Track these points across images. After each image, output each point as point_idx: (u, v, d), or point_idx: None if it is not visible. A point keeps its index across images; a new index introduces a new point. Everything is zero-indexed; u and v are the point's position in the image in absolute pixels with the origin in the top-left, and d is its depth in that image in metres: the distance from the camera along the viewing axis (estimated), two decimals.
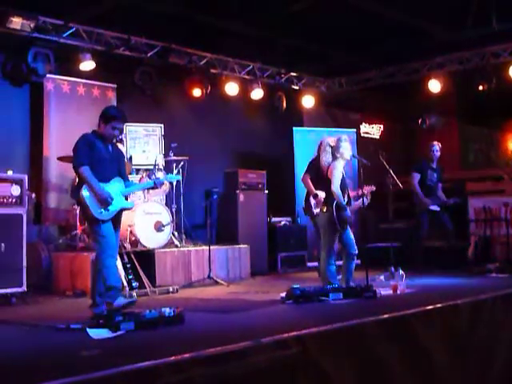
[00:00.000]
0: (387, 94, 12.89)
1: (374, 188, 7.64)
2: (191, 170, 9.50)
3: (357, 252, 7.22)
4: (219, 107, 11.27)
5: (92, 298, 5.97)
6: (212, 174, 10.79)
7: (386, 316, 5.17)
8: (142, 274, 7.75)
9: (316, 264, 9.49)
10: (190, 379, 3.67)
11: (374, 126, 13.94)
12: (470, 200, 10.45)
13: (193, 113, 11.03)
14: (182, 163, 9.39)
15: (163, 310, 5.23)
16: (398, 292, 6.91)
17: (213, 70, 10.80)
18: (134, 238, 8.24)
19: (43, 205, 9.01)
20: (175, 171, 9.31)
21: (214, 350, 3.92)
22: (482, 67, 10.96)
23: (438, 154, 9.63)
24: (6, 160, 8.30)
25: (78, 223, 8.30)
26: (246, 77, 11.29)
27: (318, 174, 8.69)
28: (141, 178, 8.71)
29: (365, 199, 7.33)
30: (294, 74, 12.05)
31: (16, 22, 8.25)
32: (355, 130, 12.47)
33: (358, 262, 7.31)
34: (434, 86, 11.38)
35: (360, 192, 7.48)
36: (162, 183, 6.78)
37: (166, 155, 9.47)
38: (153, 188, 6.73)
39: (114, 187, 6.03)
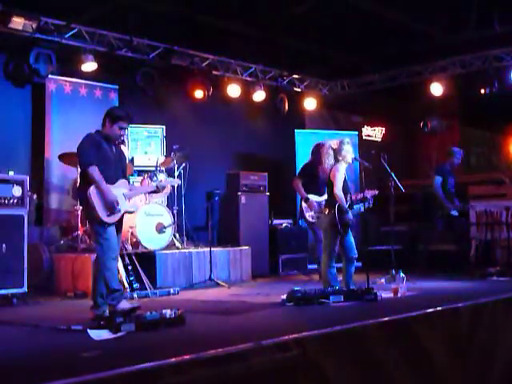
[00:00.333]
0: (389, 97, 12.91)
1: (376, 192, 7.64)
2: (193, 172, 9.50)
3: (356, 255, 7.22)
4: (221, 109, 11.28)
5: (93, 300, 5.94)
6: (214, 176, 10.80)
7: (386, 319, 5.16)
8: (143, 275, 7.75)
9: (315, 266, 9.51)
10: (191, 381, 3.67)
11: (375, 128, 13.94)
12: (471, 203, 10.43)
13: (195, 114, 11.02)
14: (183, 165, 9.39)
15: (164, 311, 5.23)
16: (399, 295, 6.89)
17: (215, 72, 10.81)
18: (135, 240, 8.24)
19: (44, 206, 9.01)
20: (176, 173, 9.31)
21: (214, 351, 3.92)
22: (484, 70, 10.96)
23: (460, 161, 9.68)
24: (7, 161, 8.28)
25: (80, 224, 8.30)
26: (249, 79, 11.30)
27: (314, 177, 8.77)
28: (142, 180, 8.71)
29: (366, 203, 7.32)
30: (296, 76, 12.05)
31: (18, 23, 8.25)
32: (357, 132, 12.48)
33: (359, 264, 7.29)
34: (436, 89, 11.39)
35: (361, 195, 7.49)
36: (164, 187, 6.76)
37: (167, 157, 9.47)
38: (155, 192, 6.70)
39: (119, 190, 5.97)
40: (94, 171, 5.75)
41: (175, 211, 9.21)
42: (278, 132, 12.26)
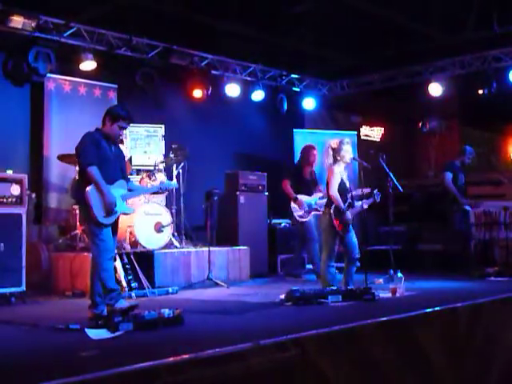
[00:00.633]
0: (388, 97, 12.92)
1: (371, 201, 7.42)
2: (191, 171, 9.49)
3: (358, 256, 7.20)
4: (220, 108, 11.28)
5: (91, 299, 5.93)
6: (212, 175, 10.78)
7: (384, 319, 5.17)
8: (141, 274, 7.75)
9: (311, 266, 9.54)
10: (189, 380, 3.67)
11: (374, 128, 13.95)
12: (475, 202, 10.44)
13: (194, 114, 11.03)
14: (182, 164, 9.38)
15: (162, 310, 5.22)
16: (397, 295, 6.90)
17: (214, 71, 10.81)
18: (133, 239, 8.22)
19: (43, 205, 9.00)
20: (175, 172, 9.30)
21: (212, 351, 3.92)
22: (483, 71, 10.97)
23: (470, 161, 9.67)
24: (6, 159, 8.29)
25: (78, 223, 8.28)
26: (248, 78, 11.30)
27: (302, 178, 8.92)
28: (141, 179, 8.70)
29: (365, 204, 7.30)
30: (295, 75, 12.06)
31: (17, 21, 8.26)
32: (356, 132, 12.48)
33: (358, 264, 7.29)
34: (435, 89, 11.39)
35: (360, 191, 7.47)
36: (167, 189, 6.73)
37: (166, 156, 9.47)
38: (157, 193, 6.66)
39: (117, 190, 5.93)
40: (94, 171, 5.71)
41: (174, 211, 9.20)
42: (277, 132, 12.27)
